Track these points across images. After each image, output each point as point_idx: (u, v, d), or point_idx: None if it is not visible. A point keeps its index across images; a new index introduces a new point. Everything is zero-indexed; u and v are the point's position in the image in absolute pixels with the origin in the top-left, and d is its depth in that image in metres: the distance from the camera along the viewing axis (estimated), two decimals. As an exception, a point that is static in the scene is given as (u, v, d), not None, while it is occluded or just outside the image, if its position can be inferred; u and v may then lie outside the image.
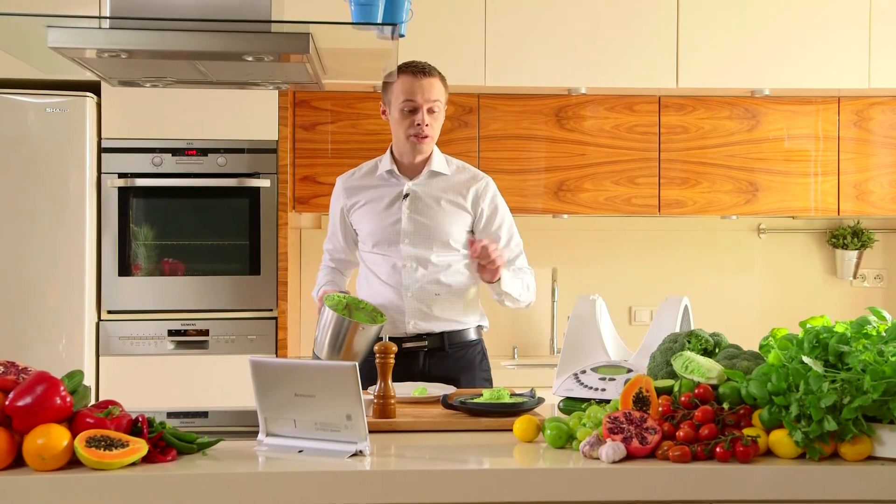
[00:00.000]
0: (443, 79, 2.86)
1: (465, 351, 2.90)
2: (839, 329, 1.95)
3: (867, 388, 1.77)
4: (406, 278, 2.84)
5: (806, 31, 4.10)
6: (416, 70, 2.81)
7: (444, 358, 2.87)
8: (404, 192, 2.87)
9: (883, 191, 4.23)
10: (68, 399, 1.78)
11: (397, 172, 2.89)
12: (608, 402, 2.13)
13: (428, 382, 2.74)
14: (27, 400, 1.75)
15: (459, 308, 2.89)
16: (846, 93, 4.18)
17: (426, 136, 2.82)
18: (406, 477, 1.79)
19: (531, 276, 2.94)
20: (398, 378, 2.74)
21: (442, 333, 2.87)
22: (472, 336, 2.93)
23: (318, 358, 2.64)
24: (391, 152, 2.92)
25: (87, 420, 1.78)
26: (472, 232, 2.91)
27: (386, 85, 2.86)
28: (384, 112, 2.90)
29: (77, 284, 3.67)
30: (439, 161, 2.91)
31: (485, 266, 2.70)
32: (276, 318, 3.82)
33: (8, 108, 3.65)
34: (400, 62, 2.72)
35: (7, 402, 1.76)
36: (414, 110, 2.80)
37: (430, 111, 2.81)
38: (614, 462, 1.81)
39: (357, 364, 1.87)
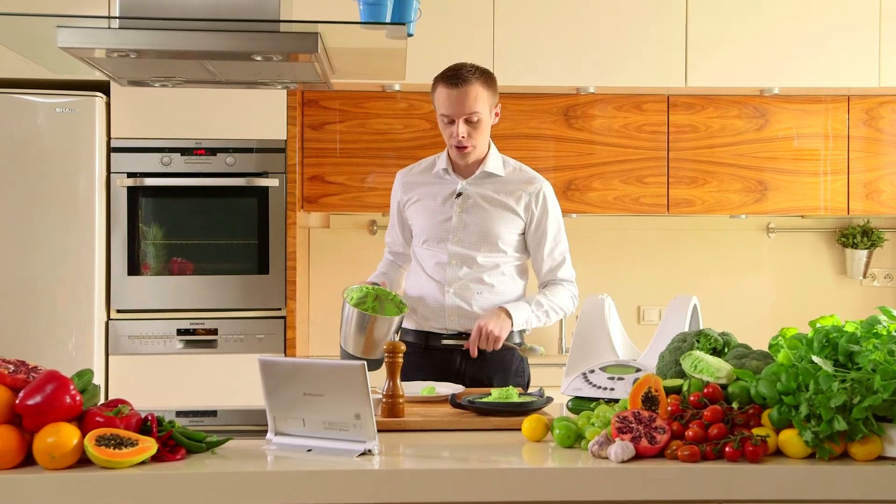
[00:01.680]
0: (485, 80, 2.77)
1: (503, 354, 2.83)
2: (849, 328, 1.94)
3: (877, 387, 1.76)
4: (449, 275, 2.83)
5: (815, 30, 4.08)
6: (449, 80, 2.74)
7: (482, 360, 2.81)
8: (457, 192, 2.86)
9: (893, 190, 4.21)
10: (78, 398, 1.79)
11: (451, 171, 2.88)
12: (617, 401, 2.12)
13: (458, 384, 2.74)
14: (37, 399, 1.75)
15: None
16: (856, 91, 4.16)
17: (465, 147, 2.78)
18: (415, 476, 1.79)
19: (566, 291, 2.88)
20: (433, 376, 2.76)
21: None
22: (514, 339, 2.86)
23: (346, 351, 2.67)
24: (447, 152, 2.90)
25: (97, 419, 1.79)
26: (523, 234, 2.87)
27: (433, 89, 2.81)
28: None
29: (86, 284, 3.68)
30: (494, 162, 2.87)
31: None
32: (284, 318, 3.83)
33: (18, 107, 3.67)
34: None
35: (17, 401, 1.76)
36: (451, 122, 2.77)
37: (468, 121, 2.76)
38: (623, 462, 1.81)
39: (366, 364, 1.88)
